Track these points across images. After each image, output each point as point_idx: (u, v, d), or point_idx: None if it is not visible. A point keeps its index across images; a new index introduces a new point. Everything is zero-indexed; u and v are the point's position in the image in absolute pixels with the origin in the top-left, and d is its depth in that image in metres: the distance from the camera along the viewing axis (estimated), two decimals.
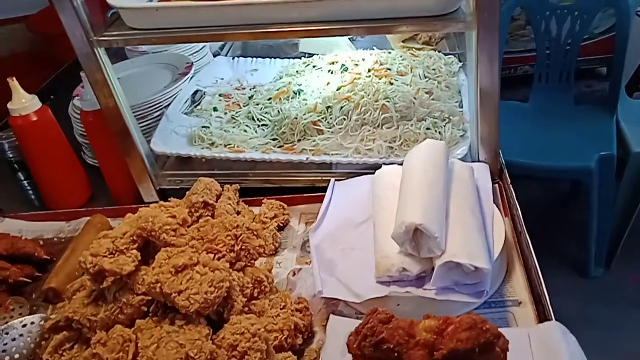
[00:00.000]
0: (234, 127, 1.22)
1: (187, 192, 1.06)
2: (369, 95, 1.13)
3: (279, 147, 1.16)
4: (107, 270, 0.72)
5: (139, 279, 0.74)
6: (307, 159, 1.10)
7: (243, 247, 0.83)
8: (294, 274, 0.97)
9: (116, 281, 0.75)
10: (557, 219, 2.34)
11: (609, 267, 2.09)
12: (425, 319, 0.61)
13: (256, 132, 1.21)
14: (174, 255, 0.72)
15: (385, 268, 0.82)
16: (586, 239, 2.01)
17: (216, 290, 0.70)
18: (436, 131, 1.08)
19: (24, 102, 1.14)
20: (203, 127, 1.22)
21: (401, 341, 0.60)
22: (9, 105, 1.15)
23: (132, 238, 0.76)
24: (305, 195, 1.11)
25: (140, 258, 0.75)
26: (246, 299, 0.79)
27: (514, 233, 0.93)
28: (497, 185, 1.01)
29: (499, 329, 0.68)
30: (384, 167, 1.00)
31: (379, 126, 1.11)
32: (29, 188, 1.38)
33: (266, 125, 1.22)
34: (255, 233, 0.85)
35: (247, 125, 1.22)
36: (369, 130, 1.10)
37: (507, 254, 0.90)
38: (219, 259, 0.80)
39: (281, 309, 0.82)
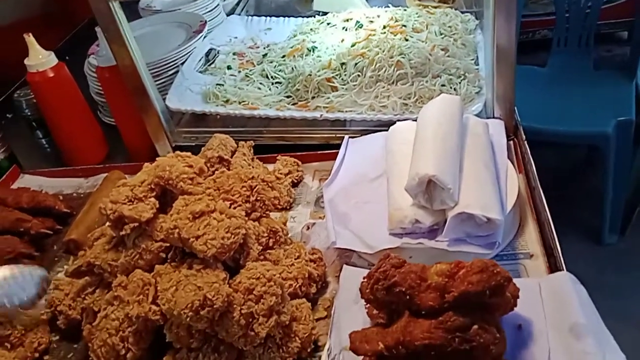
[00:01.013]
0: (247, 85, 1.22)
1: (202, 148, 1.07)
2: (383, 52, 1.12)
3: (293, 104, 1.16)
4: (126, 217, 0.74)
5: (157, 225, 0.76)
6: (321, 115, 1.10)
7: (258, 198, 0.84)
8: (308, 228, 0.99)
9: (135, 228, 0.77)
10: (573, 185, 2.33)
11: (623, 234, 2.09)
12: (437, 264, 0.62)
13: (270, 89, 1.21)
14: (191, 202, 0.74)
15: (397, 219, 0.83)
16: (601, 205, 2.00)
17: (232, 236, 0.71)
18: (451, 87, 1.07)
19: (41, 58, 1.16)
20: (217, 84, 1.23)
21: (413, 284, 0.62)
22: (25, 61, 1.16)
23: (150, 186, 0.78)
24: (319, 152, 1.12)
25: (158, 206, 0.77)
26: (261, 247, 0.81)
27: (527, 188, 0.93)
28: (511, 142, 1.01)
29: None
30: (397, 122, 1.00)
31: (393, 82, 1.10)
32: (46, 146, 1.41)
33: (280, 83, 1.22)
34: (270, 185, 0.87)
35: (260, 83, 1.22)
36: (383, 87, 1.10)
37: (520, 208, 0.90)
38: (234, 209, 0.81)
39: (295, 259, 0.84)
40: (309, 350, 0.76)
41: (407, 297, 0.62)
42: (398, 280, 0.62)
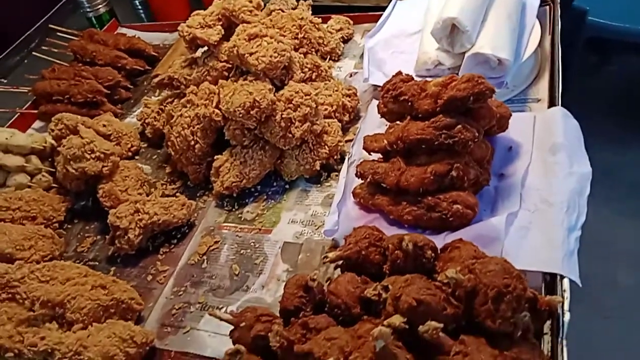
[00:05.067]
0: None
1: (267, 4, 1.22)
2: None
3: None
4: (198, 38, 0.93)
5: (222, 49, 0.94)
6: None
7: (305, 36, 1.00)
8: (351, 76, 1.14)
9: (205, 51, 0.96)
10: None
11: None
12: (436, 79, 0.76)
13: None
14: (248, 28, 0.91)
15: (422, 61, 0.96)
16: None
17: (279, 56, 0.88)
18: None
19: None
20: None
21: (414, 93, 0.76)
22: None
23: (217, 17, 0.95)
24: (370, 13, 1.24)
25: (223, 32, 0.95)
26: (304, 76, 0.98)
27: (551, 47, 1.01)
28: (547, 7, 1.07)
29: (513, 114, 0.81)
30: None
31: None
32: (139, 7, 1.62)
33: None
34: (317, 26, 1.01)
35: None
36: None
37: (540, 64, 0.99)
38: None
39: (334, 91, 1.00)
40: (335, 158, 0.94)
41: (409, 104, 0.77)
42: (403, 90, 0.77)
